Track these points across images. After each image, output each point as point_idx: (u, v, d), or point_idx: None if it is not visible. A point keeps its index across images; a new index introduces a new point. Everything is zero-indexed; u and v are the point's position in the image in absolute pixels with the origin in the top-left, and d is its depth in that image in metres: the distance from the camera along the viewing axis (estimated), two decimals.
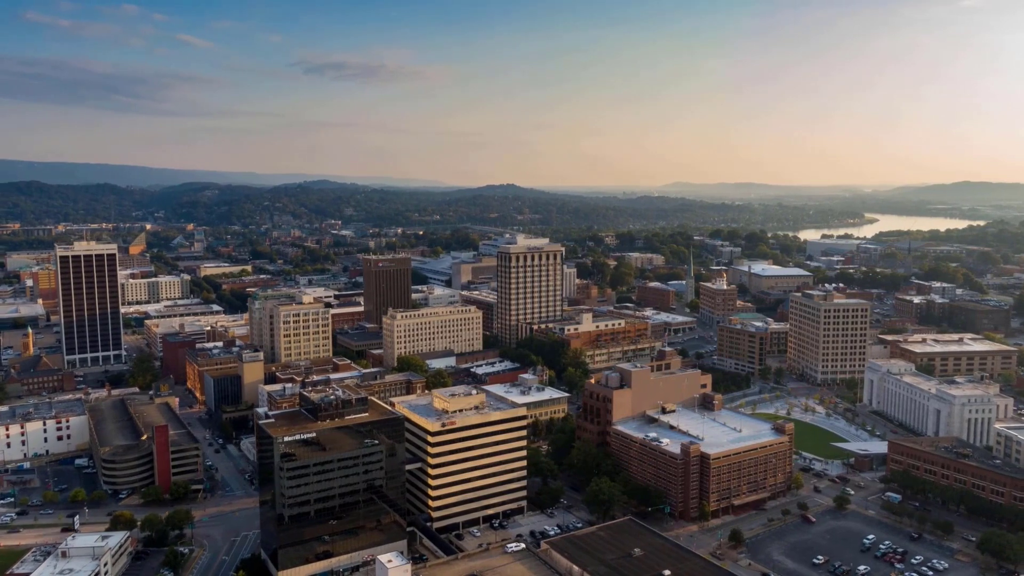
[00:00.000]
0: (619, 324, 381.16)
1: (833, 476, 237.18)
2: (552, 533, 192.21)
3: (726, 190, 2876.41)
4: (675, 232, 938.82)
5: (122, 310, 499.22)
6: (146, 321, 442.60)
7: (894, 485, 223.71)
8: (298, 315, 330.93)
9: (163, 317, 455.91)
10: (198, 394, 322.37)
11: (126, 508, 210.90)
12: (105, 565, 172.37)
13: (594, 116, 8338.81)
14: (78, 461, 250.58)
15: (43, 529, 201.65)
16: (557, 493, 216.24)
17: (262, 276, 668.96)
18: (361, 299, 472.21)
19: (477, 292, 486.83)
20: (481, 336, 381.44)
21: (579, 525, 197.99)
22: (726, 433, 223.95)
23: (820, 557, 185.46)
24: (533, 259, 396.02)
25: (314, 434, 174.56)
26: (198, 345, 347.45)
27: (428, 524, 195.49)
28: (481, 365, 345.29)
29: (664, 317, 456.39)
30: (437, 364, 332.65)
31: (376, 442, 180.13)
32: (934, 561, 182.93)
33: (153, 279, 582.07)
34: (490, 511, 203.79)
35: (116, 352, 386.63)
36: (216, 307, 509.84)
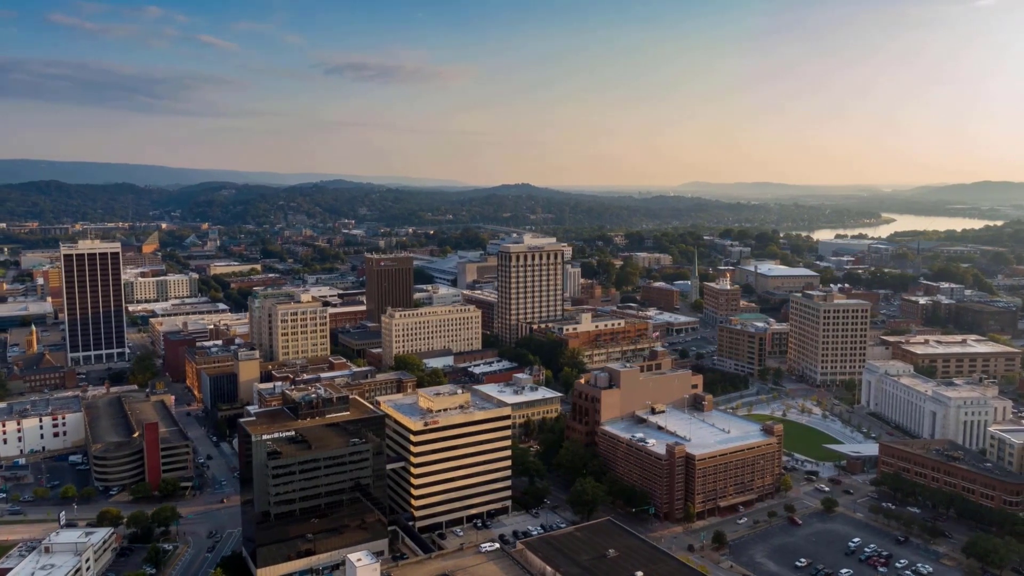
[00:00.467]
0: (619, 324, 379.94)
1: (825, 478, 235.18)
2: (535, 533, 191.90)
3: (743, 190, 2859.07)
4: (685, 232, 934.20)
5: (130, 308, 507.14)
6: (151, 319, 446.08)
7: (884, 488, 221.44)
8: (296, 314, 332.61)
9: (169, 315, 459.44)
10: (196, 392, 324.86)
11: (115, 505, 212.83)
12: (87, 561, 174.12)
13: (609, 116, 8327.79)
14: (72, 458, 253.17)
15: (32, 525, 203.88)
16: (543, 493, 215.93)
17: (271, 275, 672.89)
18: (364, 298, 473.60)
19: (479, 292, 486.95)
20: (480, 335, 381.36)
21: (563, 525, 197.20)
22: (714, 434, 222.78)
23: (803, 560, 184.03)
24: (533, 259, 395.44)
25: (292, 432, 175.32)
26: (198, 343, 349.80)
27: (411, 523, 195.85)
28: (479, 364, 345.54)
29: (667, 317, 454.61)
30: (435, 363, 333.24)
31: (358, 441, 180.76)
32: (919, 565, 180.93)
33: (162, 278, 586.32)
34: (473, 511, 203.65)
35: (120, 350, 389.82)
36: (222, 306, 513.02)
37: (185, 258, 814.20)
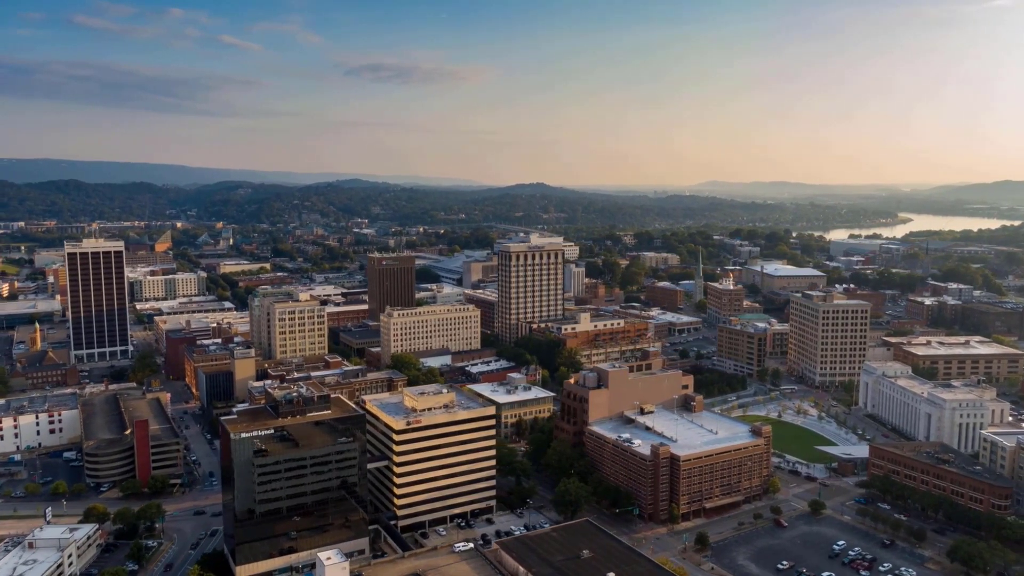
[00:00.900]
0: (618, 324, 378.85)
1: (816, 480, 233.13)
2: (518, 533, 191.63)
3: (760, 189, 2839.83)
4: (694, 232, 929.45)
5: (138, 306, 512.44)
6: (156, 317, 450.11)
7: (873, 490, 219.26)
8: (293, 312, 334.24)
9: (174, 314, 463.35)
10: (194, 390, 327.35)
11: (104, 501, 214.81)
12: (69, 556, 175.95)
13: (625, 115, 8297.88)
14: (66, 454, 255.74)
15: (21, 520, 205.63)
16: (528, 493, 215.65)
17: (279, 274, 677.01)
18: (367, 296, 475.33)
19: (481, 291, 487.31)
20: (479, 335, 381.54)
21: (546, 525, 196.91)
22: (701, 435, 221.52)
23: (785, 562, 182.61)
24: (534, 258, 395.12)
25: (271, 431, 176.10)
26: (199, 341, 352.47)
27: (393, 522, 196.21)
28: (476, 364, 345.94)
29: (669, 317, 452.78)
30: (432, 362, 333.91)
31: (339, 439, 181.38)
32: (903, 569, 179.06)
33: (171, 276, 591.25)
34: (457, 510, 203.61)
35: (123, 347, 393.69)
36: (228, 304, 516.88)
37: (197, 257, 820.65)
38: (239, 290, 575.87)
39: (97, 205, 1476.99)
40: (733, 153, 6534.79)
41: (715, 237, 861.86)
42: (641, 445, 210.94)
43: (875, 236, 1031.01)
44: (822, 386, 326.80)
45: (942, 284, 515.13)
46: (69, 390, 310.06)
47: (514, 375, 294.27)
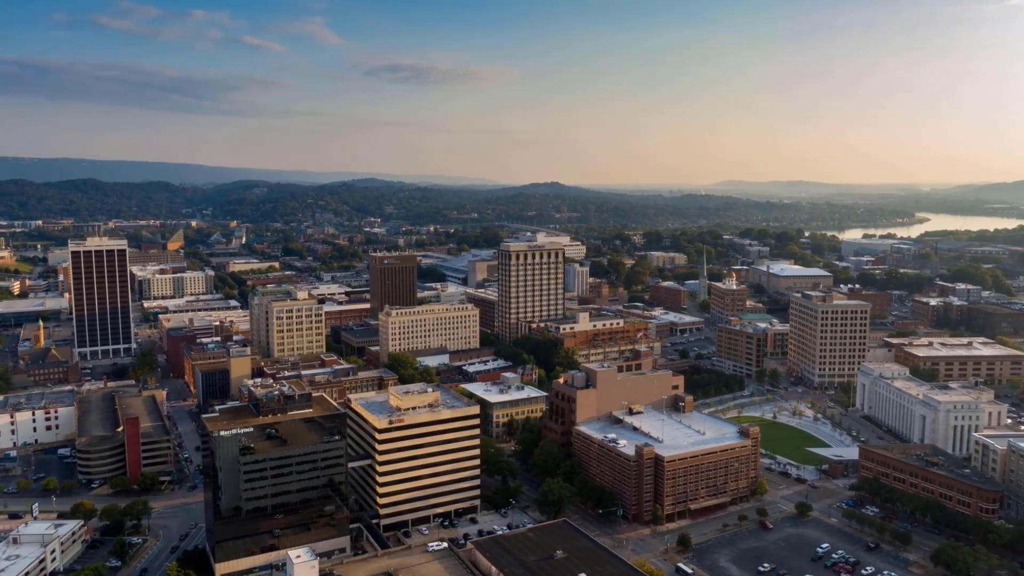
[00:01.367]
0: (617, 324, 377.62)
1: (806, 482, 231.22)
2: (500, 532, 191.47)
3: (777, 188, 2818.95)
4: (705, 231, 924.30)
5: (145, 304, 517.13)
6: (160, 316, 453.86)
7: (863, 493, 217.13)
8: (291, 311, 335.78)
9: (180, 312, 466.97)
10: (193, 387, 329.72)
11: (94, 497, 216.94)
12: (52, 552, 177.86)
13: (642, 115, 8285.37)
14: (61, 451, 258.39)
15: (12, 517, 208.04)
16: (514, 493, 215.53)
17: (288, 272, 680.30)
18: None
19: (484, 290, 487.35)
20: (478, 334, 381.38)
21: (529, 525, 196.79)
22: (688, 435, 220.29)
23: (767, 565, 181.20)
24: (534, 257, 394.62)
25: (251, 429, 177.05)
26: (199, 339, 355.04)
27: (375, 521, 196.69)
28: (474, 363, 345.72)
29: (671, 317, 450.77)
30: (430, 361, 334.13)
31: (322, 438, 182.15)
32: (886, 572, 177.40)
33: (179, 275, 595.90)
34: (440, 510, 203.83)
35: (127, 345, 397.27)
36: (234, 303, 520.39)
37: (208, 255, 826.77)
38: (246, 289, 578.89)
39: (114, 204, 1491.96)
40: (751, 153, 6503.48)
41: (725, 237, 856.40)
42: (626, 445, 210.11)
43: (889, 236, 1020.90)
44: (820, 387, 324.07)
45: (950, 284, 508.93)
46: (68, 387, 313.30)
47: (508, 375, 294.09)
